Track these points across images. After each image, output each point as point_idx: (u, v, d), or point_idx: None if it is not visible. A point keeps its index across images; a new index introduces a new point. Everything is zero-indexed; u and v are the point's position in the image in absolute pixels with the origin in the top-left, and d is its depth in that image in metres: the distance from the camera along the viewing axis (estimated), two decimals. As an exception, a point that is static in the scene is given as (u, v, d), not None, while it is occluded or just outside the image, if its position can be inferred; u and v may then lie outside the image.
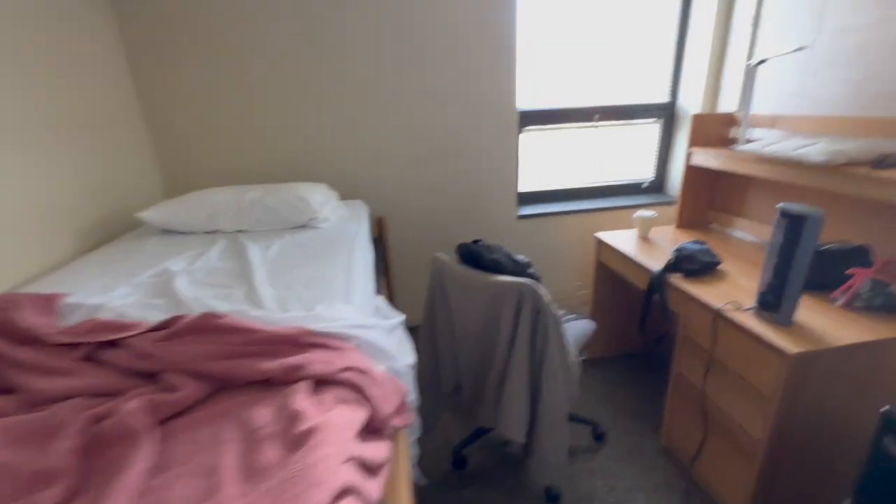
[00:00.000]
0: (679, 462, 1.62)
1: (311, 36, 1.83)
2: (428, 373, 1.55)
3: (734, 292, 1.41)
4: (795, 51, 1.58)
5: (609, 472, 1.61)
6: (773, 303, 1.20)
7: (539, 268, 2.36)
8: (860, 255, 1.36)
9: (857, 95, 1.47)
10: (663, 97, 2.33)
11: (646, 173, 2.48)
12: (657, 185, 2.49)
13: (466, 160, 2.12)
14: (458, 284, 1.38)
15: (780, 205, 1.16)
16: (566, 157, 2.38)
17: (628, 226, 2.34)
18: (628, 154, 2.44)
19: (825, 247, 1.38)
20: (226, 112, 1.88)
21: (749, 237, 1.86)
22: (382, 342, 0.87)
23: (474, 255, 1.38)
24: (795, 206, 1.13)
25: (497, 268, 1.34)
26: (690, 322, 1.46)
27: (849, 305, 1.27)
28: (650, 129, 2.39)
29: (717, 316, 1.32)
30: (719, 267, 1.59)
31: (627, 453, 1.69)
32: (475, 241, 1.43)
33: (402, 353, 1.01)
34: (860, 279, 1.24)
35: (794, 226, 1.12)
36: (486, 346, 1.36)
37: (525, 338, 1.24)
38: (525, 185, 2.37)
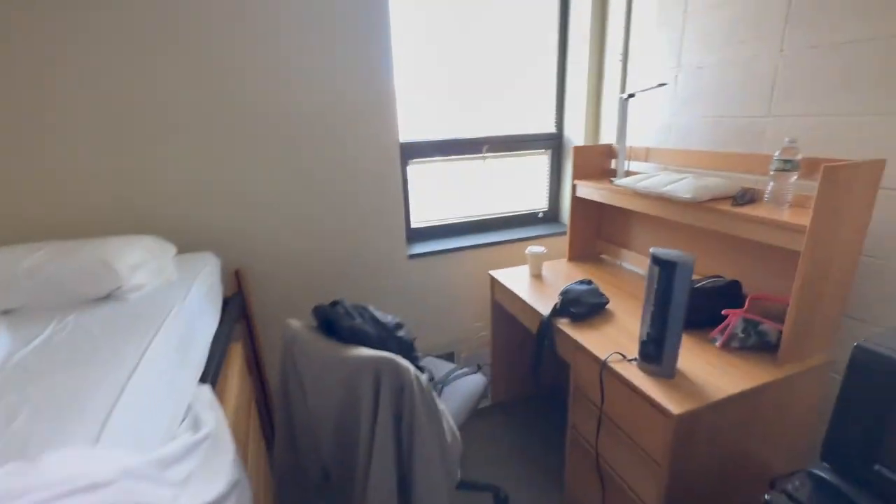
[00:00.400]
0: (583, 522, 1.49)
1: (143, 47, 1.49)
2: (287, 463, 1.27)
3: (621, 337, 1.32)
4: (657, 86, 1.59)
5: (511, 546, 1.43)
6: (653, 355, 1.11)
7: (435, 310, 2.17)
8: (732, 291, 1.34)
9: (715, 130, 1.50)
10: (550, 128, 2.31)
11: (541, 203, 2.44)
12: (552, 215, 2.46)
13: (346, 197, 1.90)
14: (310, 359, 1.13)
15: (652, 250, 1.08)
16: (461, 190, 2.25)
17: (526, 259, 2.25)
18: (523, 185, 2.38)
19: (700, 283, 1.35)
20: (21, 143, 1.46)
21: (636, 269, 1.84)
22: (129, 498, 0.59)
23: (331, 322, 1.15)
24: (666, 252, 1.06)
25: (356, 336, 1.11)
26: (580, 372, 1.34)
27: (726, 346, 1.22)
28: (542, 160, 2.36)
29: (604, 368, 1.21)
30: (607, 306, 1.51)
31: (531, 517, 1.53)
32: (334, 304, 1.20)
33: (194, 489, 0.73)
34: (734, 320, 1.21)
35: (666, 272, 1.05)
36: (346, 432, 1.12)
37: (387, 422, 1.02)
38: (417, 221, 2.19)
